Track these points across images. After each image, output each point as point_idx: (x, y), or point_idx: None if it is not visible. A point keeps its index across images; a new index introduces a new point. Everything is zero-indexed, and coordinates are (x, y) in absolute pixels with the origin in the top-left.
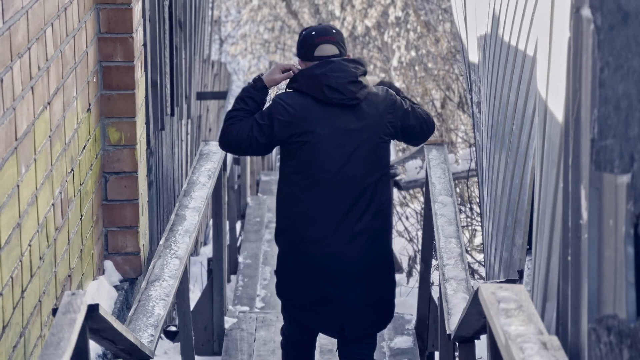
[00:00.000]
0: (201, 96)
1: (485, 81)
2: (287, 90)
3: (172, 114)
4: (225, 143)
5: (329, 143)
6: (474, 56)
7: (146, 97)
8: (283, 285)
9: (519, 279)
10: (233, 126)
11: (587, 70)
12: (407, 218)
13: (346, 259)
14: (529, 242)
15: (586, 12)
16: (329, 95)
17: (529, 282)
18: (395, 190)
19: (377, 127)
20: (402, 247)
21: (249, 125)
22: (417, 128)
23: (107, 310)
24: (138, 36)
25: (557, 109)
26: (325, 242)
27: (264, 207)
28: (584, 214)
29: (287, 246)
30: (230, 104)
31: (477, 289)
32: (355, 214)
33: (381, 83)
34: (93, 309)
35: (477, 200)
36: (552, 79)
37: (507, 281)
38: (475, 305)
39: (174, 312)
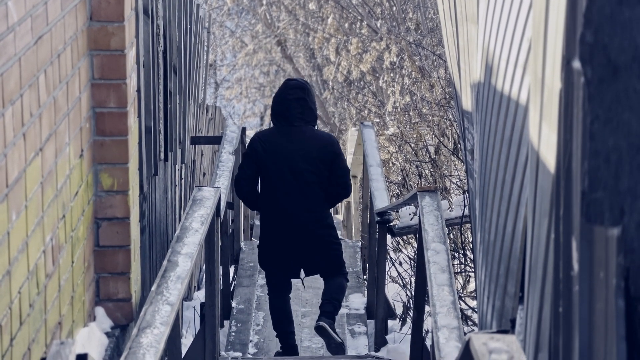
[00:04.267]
0: (195, 141)
1: (478, 129)
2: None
3: (166, 159)
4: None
5: (288, 162)
6: (467, 103)
7: (139, 143)
8: (263, 255)
9: (511, 329)
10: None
11: (578, 122)
12: (400, 264)
13: (301, 232)
14: (522, 291)
15: (576, 64)
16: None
17: (521, 332)
18: (388, 237)
19: (319, 151)
20: (396, 293)
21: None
22: (342, 171)
23: (97, 358)
24: (132, 82)
25: (549, 159)
26: (287, 222)
27: (257, 252)
28: (575, 266)
29: (264, 226)
30: (224, 148)
31: (469, 339)
32: (306, 206)
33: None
34: (82, 359)
35: (471, 246)
36: (543, 129)
37: (500, 331)
38: (466, 356)
39: (165, 359)
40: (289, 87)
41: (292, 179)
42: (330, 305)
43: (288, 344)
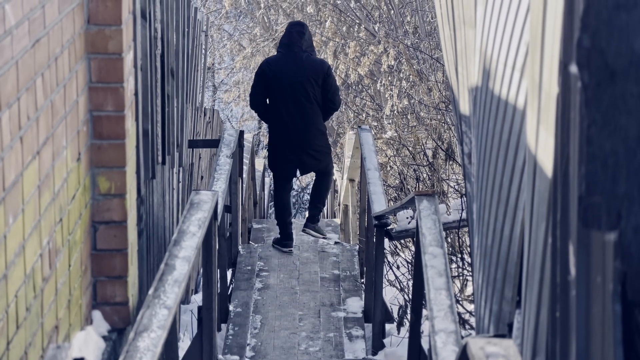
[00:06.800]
0: (193, 144)
1: (475, 132)
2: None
3: (164, 163)
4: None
5: (288, 79)
6: (464, 107)
7: (137, 146)
8: (270, 155)
9: (508, 333)
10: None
11: (575, 126)
12: (397, 267)
13: (299, 137)
14: (519, 295)
15: (574, 68)
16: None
17: (519, 336)
18: (386, 240)
19: (313, 72)
20: (393, 297)
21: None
22: (331, 88)
23: None
24: (129, 85)
25: (546, 163)
26: (288, 128)
27: (255, 256)
28: (572, 270)
29: (271, 134)
30: (222, 152)
31: (466, 343)
32: (303, 116)
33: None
34: None
35: (469, 250)
36: (541, 133)
37: (497, 335)
38: None
39: None
40: (292, 24)
41: (292, 94)
42: (315, 209)
43: (286, 231)
